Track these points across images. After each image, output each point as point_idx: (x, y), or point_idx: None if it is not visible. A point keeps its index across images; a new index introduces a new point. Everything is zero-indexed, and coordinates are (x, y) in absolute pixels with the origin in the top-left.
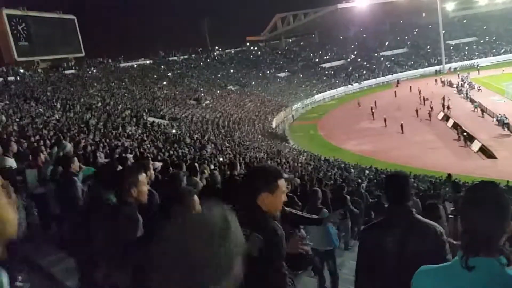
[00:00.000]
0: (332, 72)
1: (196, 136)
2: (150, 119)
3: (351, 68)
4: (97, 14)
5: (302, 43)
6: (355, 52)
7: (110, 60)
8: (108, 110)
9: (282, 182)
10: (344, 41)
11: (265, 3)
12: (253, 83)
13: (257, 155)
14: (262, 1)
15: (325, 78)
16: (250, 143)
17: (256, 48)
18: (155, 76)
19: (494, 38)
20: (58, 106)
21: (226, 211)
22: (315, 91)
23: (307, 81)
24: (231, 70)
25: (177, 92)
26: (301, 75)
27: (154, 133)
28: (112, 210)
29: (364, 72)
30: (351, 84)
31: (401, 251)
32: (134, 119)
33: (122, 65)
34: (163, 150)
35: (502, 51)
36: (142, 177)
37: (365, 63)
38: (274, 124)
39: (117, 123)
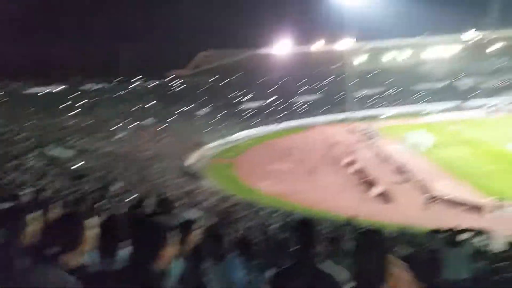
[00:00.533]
0: (251, 112)
1: (104, 171)
2: (53, 151)
3: (269, 110)
4: (4, 33)
5: (223, 82)
6: (273, 95)
7: (18, 85)
8: (8, 139)
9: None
10: (263, 84)
11: (188, 39)
12: (171, 118)
13: (170, 193)
14: (185, 37)
15: (244, 118)
16: (164, 181)
17: (176, 83)
18: (64, 105)
19: (398, 90)
20: None
21: None
22: (233, 131)
23: (226, 120)
24: (149, 104)
25: (88, 123)
26: (221, 114)
27: (58, 166)
28: None
29: (281, 115)
30: (268, 126)
31: None
32: (36, 150)
33: (29, 91)
34: (66, 186)
35: (404, 103)
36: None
37: (282, 106)
38: (190, 162)
39: (16, 153)
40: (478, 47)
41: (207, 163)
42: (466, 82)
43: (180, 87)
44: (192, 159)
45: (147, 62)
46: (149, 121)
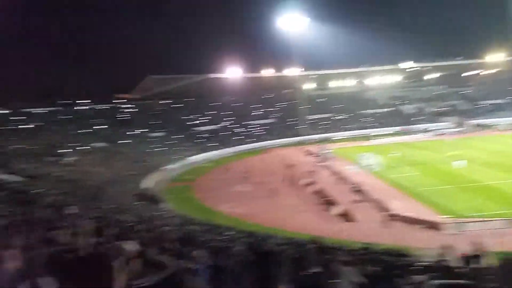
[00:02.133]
0: (207, 135)
1: (53, 197)
2: (3, 175)
3: (224, 133)
4: None
5: (176, 105)
6: (228, 118)
7: None
8: None
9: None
10: (217, 107)
11: (135, 62)
12: (124, 141)
13: (127, 219)
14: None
15: (199, 141)
16: (119, 206)
17: (126, 106)
18: (8, 128)
19: (347, 115)
20: None
21: None
22: (189, 153)
23: (181, 143)
24: (98, 126)
25: (36, 146)
26: (176, 137)
27: (5, 190)
28: None
29: (236, 137)
30: (223, 149)
31: None
32: None
33: None
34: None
35: (354, 126)
36: None
37: (236, 129)
38: (146, 185)
39: None
40: (417, 75)
41: (164, 186)
42: (408, 107)
43: (130, 110)
44: (148, 182)
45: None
46: (100, 144)
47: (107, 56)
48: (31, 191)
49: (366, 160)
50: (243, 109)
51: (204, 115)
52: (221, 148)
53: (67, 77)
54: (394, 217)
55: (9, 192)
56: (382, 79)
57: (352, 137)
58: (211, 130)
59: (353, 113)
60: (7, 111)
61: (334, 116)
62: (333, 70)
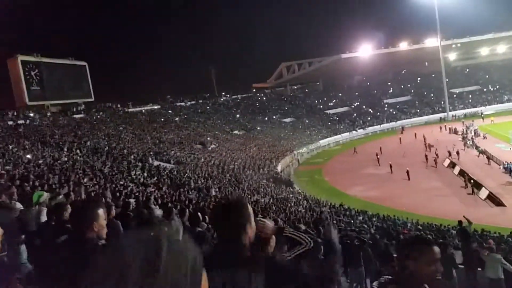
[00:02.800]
0: (337, 118)
1: (200, 180)
2: (156, 162)
3: (355, 115)
4: (108, 61)
5: (307, 90)
6: (359, 99)
7: (119, 105)
8: (114, 154)
9: (251, 209)
10: (348, 89)
11: (271, 52)
12: (259, 128)
13: (263, 200)
14: (268, 50)
15: (329, 124)
16: (256, 188)
17: (261, 94)
18: (162, 120)
19: (497, 86)
20: (65, 149)
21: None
22: (320, 137)
23: (312, 127)
24: (237, 116)
25: (183, 137)
26: (306, 121)
27: (159, 177)
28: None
29: (369, 118)
30: (356, 130)
31: None
32: (140, 163)
33: (130, 110)
34: (167, 194)
35: (505, 99)
36: (101, 211)
37: (369, 110)
38: (279, 169)
39: (122, 166)
40: None
41: (296, 170)
42: None
43: (265, 98)
44: (280, 166)
45: (233, 79)
46: (238, 132)
47: (243, 51)
48: (183, 176)
49: None
50: (376, 88)
51: (336, 97)
52: (354, 130)
53: (210, 73)
54: None
55: (166, 177)
56: None
57: (506, 111)
58: (343, 112)
59: (506, 83)
60: (161, 106)
61: (483, 89)
62: (480, 36)
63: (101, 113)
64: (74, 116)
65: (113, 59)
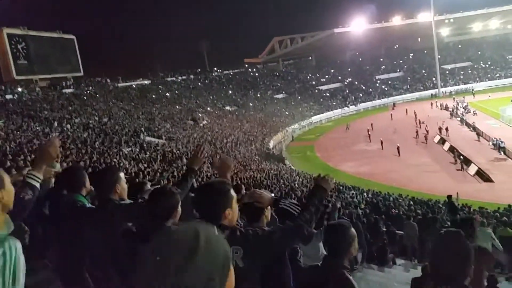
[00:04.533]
0: (329, 94)
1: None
2: (148, 138)
3: (347, 91)
4: (97, 35)
5: (299, 65)
6: (352, 75)
7: (108, 80)
8: (105, 129)
9: (234, 193)
10: (340, 65)
11: (263, 27)
12: (251, 104)
13: (256, 176)
14: (260, 25)
15: (322, 100)
16: (248, 164)
17: (254, 70)
18: (153, 96)
19: (489, 63)
20: (55, 124)
21: (200, 227)
22: (312, 113)
23: (304, 103)
24: (229, 91)
25: (175, 112)
26: (299, 97)
27: (151, 152)
28: (102, 213)
29: (361, 95)
30: (348, 107)
31: None
32: (132, 139)
33: (120, 85)
34: (160, 170)
35: (497, 76)
36: (122, 175)
37: (361, 86)
38: (271, 145)
39: (114, 142)
40: None
41: (288, 146)
42: None
43: (257, 73)
44: (273, 142)
45: (225, 53)
46: (230, 108)
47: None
48: (174, 152)
49: (511, 113)
50: (368, 64)
51: (329, 73)
52: (346, 106)
53: (202, 47)
54: None
55: (157, 153)
56: None
57: (497, 88)
58: (335, 88)
59: (498, 59)
60: (152, 81)
61: (474, 65)
62: (473, 11)
63: (90, 88)
64: (63, 90)
65: (102, 32)
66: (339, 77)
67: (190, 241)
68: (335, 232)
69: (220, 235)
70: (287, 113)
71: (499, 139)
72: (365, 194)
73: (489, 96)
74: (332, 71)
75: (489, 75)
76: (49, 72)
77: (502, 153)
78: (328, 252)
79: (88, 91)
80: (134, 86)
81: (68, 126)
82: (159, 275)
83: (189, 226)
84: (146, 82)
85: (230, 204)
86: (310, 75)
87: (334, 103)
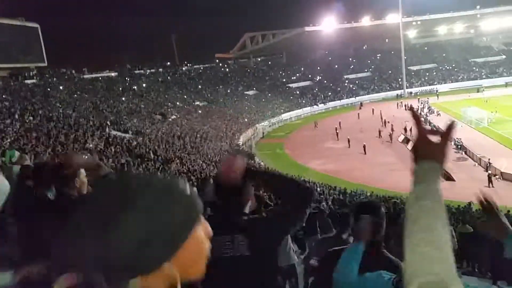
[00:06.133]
0: (299, 92)
1: (159, 151)
2: (113, 132)
3: (317, 89)
4: (62, 24)
5: (270, 62)
6: (321, 74)
7: (73, 71)
8: (69, 122)
9: None
10: (310, 63)
11: (234, 22)
12: (221, 100)
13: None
14: (231, 20)
15: (291, 98)
16: (216, 160)
17: (225, 65)
18: (120, 89)
19: (453, 65)
20: (17, 116)
21: (155, 177)
22: (282, 110)
23: (274, 100)
24: (199, 86)
25: (142, 106)
26: (269, 94)
27: (116, 147)
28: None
29: (329, 93)
30: (317, 105)
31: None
32: (97, 132)
33: (86, 76)
34: (126, 165)
35: (460, 78)
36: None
37: (330, 84)
38: (241, 141)
39: (78, 135)
40: None
41: (258, 143)
42: None
43: (228, 69)
44: (243, 138)
45: (195, 48)
46: (200, 103)
47: (205, 19)
48: (141, 146)
49: (472, 114)
50: (337, 63)
51: (298, 71)
52: (315, 105)
53: (170, 40)
54: (500, 176)
55: (123, 147)
56: (494, 23)
57: (460, 90)
58: (305, 86)
59: (461, 62)
60: (118, 73)
61: (439, 67)
62: (439, 14)
63: (54, 79)
64: (26, 81)
65: (68, 21)
66: (309, 75)
67: (128, 190)
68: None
69: (191, 191)
70: (257, 110)
71: (460, 139)
72: (331, 191)
73: (469, 96)
74: (302, 69)
75: (452, 77)
76: (11, 61)
77: (463, 152)
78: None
79: (51, 83)
80: (100, 78)
81: (31, 118)
82: (78, 236)
83: (139, 175)
84: (112, 74)
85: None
86: (280, 72)
87: (303, 101)
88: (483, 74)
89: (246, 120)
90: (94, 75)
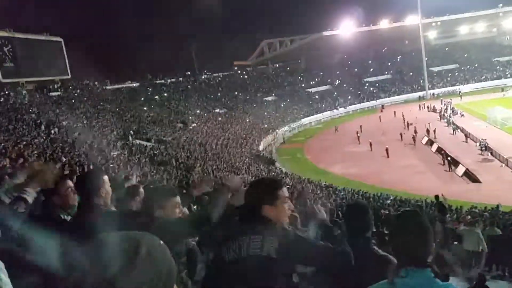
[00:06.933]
0: (318, 96)
1: (181, 160)
2: (136, 141)
3: (336, 93)
4: (84, 37)
5: (288, 68)
6: (340, 78)
7: (96, 83)
8: (93, 132)
9: (282, 193)
10: (329, 67)
11: (252, 30)
12: (240, 106)
13: (245, 178)
14: (249, 28)
15: (311, 102)
16: (237, 167)
17: (243, 72)
18: (142, 99)
19: (476, 65)
20: (43, 127)
21: (143, 238)
22: (301, 115)
23: (294, 105)
24: (218, 94)
25: (164, 115)
26: (288, 100)
27: (140, 155)
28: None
29: (349, 97)
30: (337, 109)
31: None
32: (120, 142)
33: (108, 87)
34: (150, 173)
35: (483, 78)
36: (106, 178)
37: (350, 88)
38: (261, 147)
39: (102, 145)
40: None
41: (278, 148)
42: None
43: (247, 76)
44: (262, 144)
45: (214, 56)
46: (219, 110)
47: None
48: (164, 154)
49: (497, 114)
50: (357, 67)
51: (318, 76)
52: (335, 108)
53: (189, 50)
54: None
55: (146, 155)
56: None
57: (483, 90)
58: (324, 90)
59: (484, 62)
60: (140, 83)
61: (461, 67)
62: (460, 14)
63: (78, 91)
64: (51, 93)
65: (90, 35)
66: (328, 80)
67: (130, 249)
68: (359, 211)
69: (166, 249)
70: (277, 115)
71: (486, 140)
72: (356, 195)
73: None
74: (321, 73)
75: (475, 77)
76: (36, 75)
77: (489, 154)
78: (352, 232)
79: (75, 94)
80: (122, 88)
81: (56, 129)
82: (90, 281)
83: (130, 234)
84: (134, 84)
85: (271, 202)
86: (299, 77)
87: (323, 106)
88: (507, 73)
89: (266, 126)
90: (116, 86)
